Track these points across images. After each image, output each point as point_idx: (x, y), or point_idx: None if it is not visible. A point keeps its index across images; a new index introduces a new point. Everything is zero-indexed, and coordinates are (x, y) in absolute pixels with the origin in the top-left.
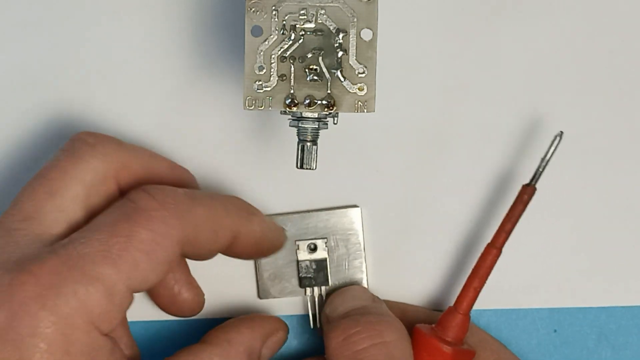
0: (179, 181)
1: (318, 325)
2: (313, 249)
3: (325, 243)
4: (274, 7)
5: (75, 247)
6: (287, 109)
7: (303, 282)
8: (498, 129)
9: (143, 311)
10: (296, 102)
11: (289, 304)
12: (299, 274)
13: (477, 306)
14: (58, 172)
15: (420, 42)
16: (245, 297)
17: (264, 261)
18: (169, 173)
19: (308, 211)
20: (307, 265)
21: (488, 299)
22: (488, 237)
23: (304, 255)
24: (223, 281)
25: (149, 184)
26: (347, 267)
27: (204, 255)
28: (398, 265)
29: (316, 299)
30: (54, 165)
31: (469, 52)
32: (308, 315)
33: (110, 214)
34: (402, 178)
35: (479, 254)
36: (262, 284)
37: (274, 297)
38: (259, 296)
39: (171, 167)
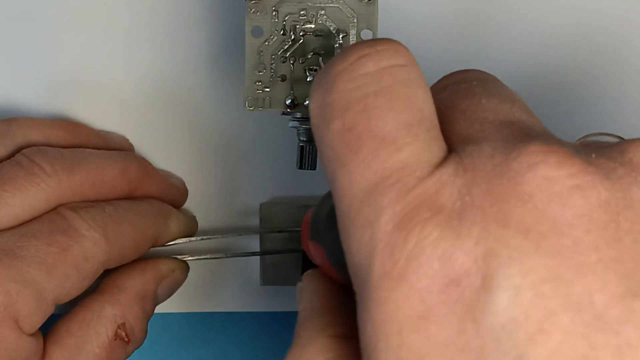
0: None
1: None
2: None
3: None
4: (274, 8)
5: (13, 249)
6: (288, 109)
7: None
8: None
9: None
10: (296, 102)
11: (289, 298)
12: (302, 263)
13: None
14: (12, 187)
15: (420, 42)
16: (247, 283)
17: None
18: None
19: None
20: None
21: None
22: None
23: None
24: (227, 266)
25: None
26: None
27: (123, 263)
28: None
29: None
30: (9, 178)
31: (470, 51)
32: None
33: (45, 225)
34: None
35: None
36: (265, 270)
37: (276, 284)
38: (261, 282)
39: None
